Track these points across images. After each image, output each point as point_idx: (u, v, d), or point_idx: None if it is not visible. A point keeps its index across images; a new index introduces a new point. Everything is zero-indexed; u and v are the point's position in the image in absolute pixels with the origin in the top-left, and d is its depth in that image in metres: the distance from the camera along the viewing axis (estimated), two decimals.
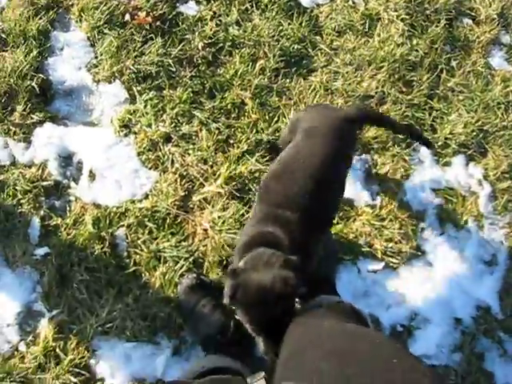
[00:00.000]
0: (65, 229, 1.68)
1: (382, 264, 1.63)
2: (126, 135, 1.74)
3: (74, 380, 1.54)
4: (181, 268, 1.59)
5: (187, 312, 1.57)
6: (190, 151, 1.69)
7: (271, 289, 0.99)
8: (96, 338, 1.60)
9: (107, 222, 1.66)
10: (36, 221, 1.71)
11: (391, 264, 1.64)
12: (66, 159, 1.76)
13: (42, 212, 1.71)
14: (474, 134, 1.75)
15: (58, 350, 1.57)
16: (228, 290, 1.03)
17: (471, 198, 1.72)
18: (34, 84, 1.73)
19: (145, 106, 1.74)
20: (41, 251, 1.70)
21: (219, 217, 1.60)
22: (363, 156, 1.71)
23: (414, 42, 1.83)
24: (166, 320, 1.59)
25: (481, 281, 1.70)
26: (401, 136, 1.71)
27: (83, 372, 1.55)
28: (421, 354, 1.62)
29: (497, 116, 1.79)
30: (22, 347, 1.60)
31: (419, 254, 1.65)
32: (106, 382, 1.56)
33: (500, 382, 1.63)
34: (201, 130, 1.70)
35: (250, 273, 1.03)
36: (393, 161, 1.70)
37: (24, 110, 1.74)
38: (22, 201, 1.71)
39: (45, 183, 1.72)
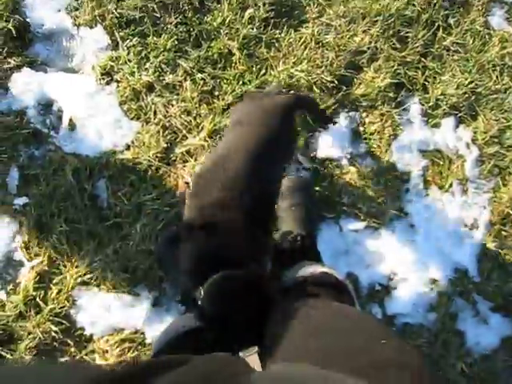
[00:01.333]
0: (44, 179, 1.63)
1: (364, 224, 1.60)
2: (107, 83, 1.65)
3: (55, 329, 1.53)
4: (161, 221, 1.56)
5: (167, 265, 1.56)
6: (174, 102, 1.61)
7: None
8: (76, 288, 1.58)
9: (88, 172, 1.61)
10: (14, 170, 1.65)
11: (373, 224, 1.61)
12: (46, 107, 1.67)
13: (20, 161, 1.66)
14: (466, 95, 1.68)
15: (38, 299, 1.56)
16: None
17: (458, 161, 1.68)
18: (10, 26, 1.63)
19: (128, 53, 1.64)
20: (20, 201, 1.65)
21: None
22: (351, 113, 1.64)
23: None
24: (147, 272, 1.58)
25: (461, 244, 1.68)
26: (391, 94, 1.65)
27: (63, 321, 1.54)
28: (397, 312, 1.63)
29: (491, 79, 1.71)
30: (3, 296, 1.59)
31: (402, 215, 1.63)
32: (85, 332, 1.56)
33: (470, 340, 1.65)
34: (185, 79, 1.61)
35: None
36: (381, 120, 1.64)
37: (0, 53, 1.65)
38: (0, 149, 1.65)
39: (23, 131, 1.65)
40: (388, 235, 1.62)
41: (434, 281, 1.66)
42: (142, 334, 1.56)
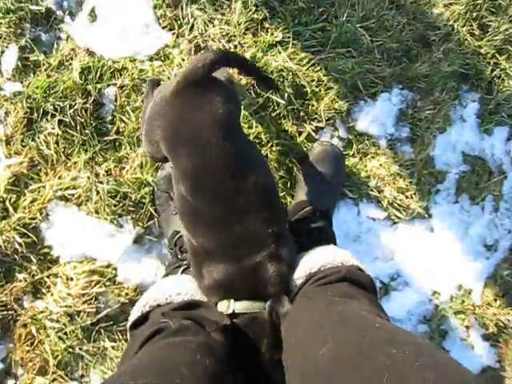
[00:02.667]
0: (46, 69, 1.37)
1: (385, 214, 1.43)
2: None
3: (19, 240, 1.32)
4: None
5: (161, 202, 1.37)
6: (216, 21, 1.36)
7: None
8: (53, 201, 1.36)
9: (97, 75, 1.37)
10: (14, 50, 1.40)
11: (393, 217, 1.45)
12: None
13: (23, 41, 1.39)
14: None
15: (7, 202, 1.34)
16: None
17: (498, 176, 1.53)
18: None
19: None
20: (11, 87, 1.40)
21: None
22: (404, 91, 1.44)
23: None
24: (136, 204, 1.37)
25: (473, 263, 1.55)
26: (453, 84, 1.46)
27: (30, 234, 1.32)
28: (390, 315, 1.50)
29: None
30: None
31: (425, 215, 1.47)
32: (52, 252, 1.35)
33: None
34: (236, 0, 1.38)
35: None
36: (434, 108, 1.45)
37: None
38: (1, 20, 1.39)
39: (34, 7, 1.39)
40: (405, 232, 1.46)
41: (434, 292, 1.52)
42: (114, 269, 1.37)
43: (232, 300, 0.89)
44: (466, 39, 1.45)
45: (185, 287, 0.97)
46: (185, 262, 1.15)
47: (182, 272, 1.11)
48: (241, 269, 0.89)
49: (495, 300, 1.56)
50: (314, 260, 0.98)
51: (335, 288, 0.87)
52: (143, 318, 0.92)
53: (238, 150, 0.90)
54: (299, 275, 0.94)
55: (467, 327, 1.55)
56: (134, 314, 0.95)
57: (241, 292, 0.89)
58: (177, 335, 0.79)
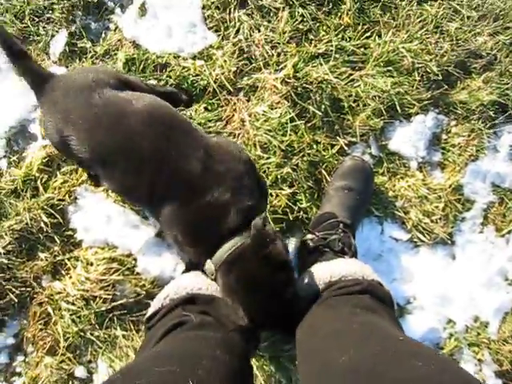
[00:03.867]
0: (92, 56, 1.41)
1: (408, 236, 1.42)
2: None
3: (45, 220, 1.35)
4: None
5: None
6: (262, 28, 1.38)
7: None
8: (83, 186, 1.40)
9: (141, 67, 1.40)
10: (64, 35, 1.44)
11: (416, 240, 1.44)
12: None
13: (73, 27, 1.44)
14: None
15: (38, 182, 1.36)
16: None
17: None
18: None
19: None
20: (57, 70, 1.44)
21: (264, 112, 1.35)
22: (440, 116, 1.44)
23: None
24: None
25: (493, 295, 1.53)
26: (490, 113, 1.45)
27: (57, 215, 1.35)
28: None
29: None
30: (3, 164, 1.41)
31: (448, 242, 1.45)
32: (76, 235, 1.38)
33: None
34: (284, 9, 1.38)
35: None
36: (469, 136, 1.44)
37: None
38: (55, 5, 1.43)
39: None
40: (426, 257, 1.44)
41: (450, 321, 1.50)
42: (135, 260, 1.38)
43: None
44: (508, 70, 1.44)
45: (205, 283, 0.98)
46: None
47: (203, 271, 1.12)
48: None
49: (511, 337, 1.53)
50: (336, 269, 0.98)
51: (357, 299, 0.87)
52: (162, 313, 0.92)
53: None
54: (319, 281, 0.94)
55: (480, 361, 1.51)
56: (155, 305, 0.96)
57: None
58: (199, 329, 0.80)
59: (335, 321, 0.79)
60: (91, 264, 1.36)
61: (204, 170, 0.92)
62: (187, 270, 1.19)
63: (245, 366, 0.80)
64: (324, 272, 0.95)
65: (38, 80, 1.02)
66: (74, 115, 0.94)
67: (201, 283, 0.97)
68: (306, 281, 0.99)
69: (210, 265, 0.93)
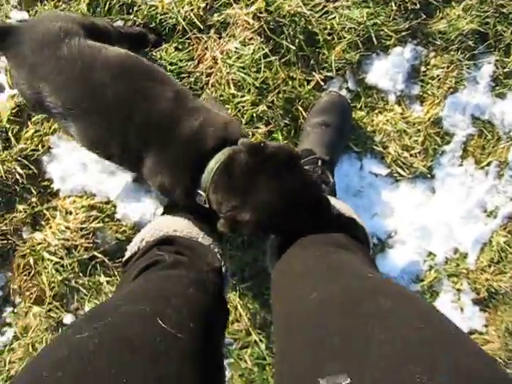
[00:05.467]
0: None
1: (388, 171, 1.42)
2: None
3: (20, 171, 1.32)
4: None
5: None
6: None
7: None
8: (56, 134, 1.37)
9: (106, 7, 1.33)
10: None
11: (396, 174, 1.44)
12: None
13: None
14: None
15: (10, 133, 1.34)
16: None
17: (506, 142, 1.51)
18: None
19: None
20: (18, 15, 1.39)
21: (236, 49, 1.31)
22: (419, 48, 1.40)
23: None
24: None
25: (471, 227, 1.56)
26: (470, 43, 1.42)
27: (32, 166, 1.32)
28: (383, 272, 1.51)
29: None
30: None
31: (428, 176, 1.46)
32: (53, 185, 1.36)
33: None
34: None
35: None
36: (448, 67, 1.41)
37: None
38: None
39: None
40: (406, 191, 1.45)
41: (430, 253, 1.53)
42: (114, 206, 1.38)
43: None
44: None
45: (181, 225, 0.97)
46: (181, 205, 1.15)
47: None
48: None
49: (489, 266, 1.57)
50: None
51: (331, 238, 0.86)
52: (137, 256, 0.92)
53: None
54: None
55: (459, 290, 1.56)
56: (131, 248, 0.96)
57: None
58: (172, 268, 0.80)
59: (307, 260, 0.79)
60: (70, 213, 1.36)
61: (174, 108, 0.90)
62: (165, 213, 1.19)
63: (219, 305, 0.81)
64: None
65: (0, 35, 0.96)
66: (44, 69, 0.91)
67: (178, 225, 0.97)
68: None
69: (200, 192, 0.90)
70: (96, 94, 0.90)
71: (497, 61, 1.44)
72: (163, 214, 1.20)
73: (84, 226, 1.34)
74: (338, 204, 0.99)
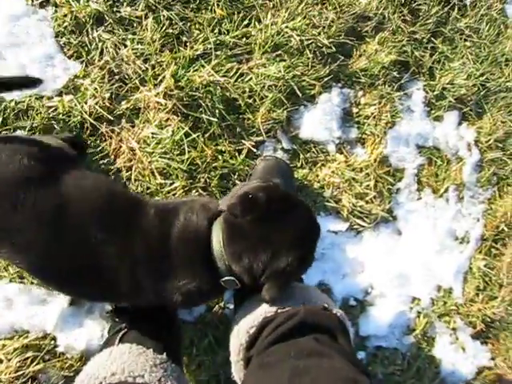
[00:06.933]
0: None
1: (347, 225, 1.32)
2: (42, 6, 1.25)
3: None
4: None
5: None
6: (128, 42, 1.20)
7: None
8: None
9: (0, 119, 1.21)
10: None
11: (356, 226, 1.33)
12: None
13: None
14: (476, 89, 1.43)
15: None
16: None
17: (457, 164, 1.45)
18: None
19: None
20: None
21: (153, 135, 1.20)
22: (345, 90, 1.34)
23: None
24: None
25: (448, 259, 1.45)
26: (394, 74, 1.38)
27: None
28: (371, 333, 1.35)
29: (503, 74, 1.48)
30: None
31: (390, 218, 1.35)
32: None
33: (446, 369, 1.44)
34: (146, 16, 1.22)
35: None
36: (379, 102, 1.35)
37: None
38: None
39: None
40: (371, 241, 1.35)
41: (414, 299, 1.41)
42: (53, 339, 1.18)
43: None
44: (399, 26, 1.38)
45: (121, 363, 0.81)
46: (124, 325, 0.99)
47: (121, 339, 0.95)
48: None
49: (477, 295, 1.47)
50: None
51: (300, 345, 0.73)
52: None
53: None
54: (251, 323, 0.81)
55: (454, 329, 1.45)
56: None
57: None
58: None
59: None
60: (1, 361, 1.15)
61: (158, 222, 0.82)
62: (106, 342, 1.02)
63: None
64: (256, 311, 0.82)
65: None
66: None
67: (117, 364, 0.81)
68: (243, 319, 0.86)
69: (228, 278, 0.82)
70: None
71: (425, 85, 1.41)
72: (106, 342, 1.03)
73: (20, 372, 1.14)
74: (300, 291, 0.86)
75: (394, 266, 1.37)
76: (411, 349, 1.40)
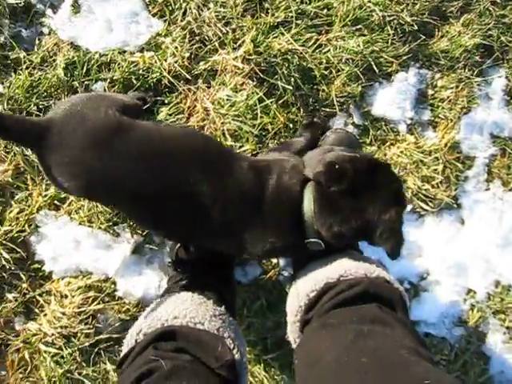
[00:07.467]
0: (28, 67, 1.26)
1: (410, 207, 1.31)
2: None
3: (7, 256, 1.20)
4: None
5: None
6: (211, 4, 1.23)
7: None
8: (42, 211, 1.25)
9: (84, 69, 1.26)
10: None
11: (419, 209, 1.32)
12: None
13: (2, 38, 1.30)
14: None
15: None
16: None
17: None
18: None
19: None
20: None
21: (228, 97, 1.22)
22: (422, 71, 1.31)
23: None
24: None
25: (510, 255, 1.42)
26: (476, 58, 1.33)
27: (19, 249, 1.19)
28: (421, 319, 1.35)
29: None
30: None
31: (454, 206, 1.33)
32: (44, 267, 1.23)
33: (495, 367, 1.41)
34: None
35: None
36: (457, 86, 1.32)
37: None
38: None
39: (12, 1, 1.29)
40: (433, 226, 1.32)
41: (469, 291, 1.38)
42: (113, 283, 1.24)
43: None
44: (488, 9, 1.32)
45: (182, 309, 0.84)
46: (185, 276, 1.03)
47: (182, 287, 0.99)
48: None
49: None
50: (332, 268, 0.86)
51: (363, 311, 0.73)
52: (133, 355, 0.77)
53: None
54: (312, 287, 0.82)
55: (508, 328, 1.40)
56: (127, 343, 0.83)
57: None
58: (169, 379, 0.67)
59: (336, 348, 0.67)
60: (66, 297, 1.23)
61: (252, 176, 0.86)
62: (167, 290, 1.06)
63: None
64: (317, 274, 0.83)
65: (35, 133, 0.84)
66: (100, 161, 0.81)
67: (179, 309, 0.84)
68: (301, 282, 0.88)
69: (314, 240, 0.85)
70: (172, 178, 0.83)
71: (507, 73, 1.35)
72: (166, 290, 1.07)
73: (82, 309, 1.21)
74: (363, 261, 0.87)
75: (453, 255, 1.34)
76: (460, 341, 1.37)
